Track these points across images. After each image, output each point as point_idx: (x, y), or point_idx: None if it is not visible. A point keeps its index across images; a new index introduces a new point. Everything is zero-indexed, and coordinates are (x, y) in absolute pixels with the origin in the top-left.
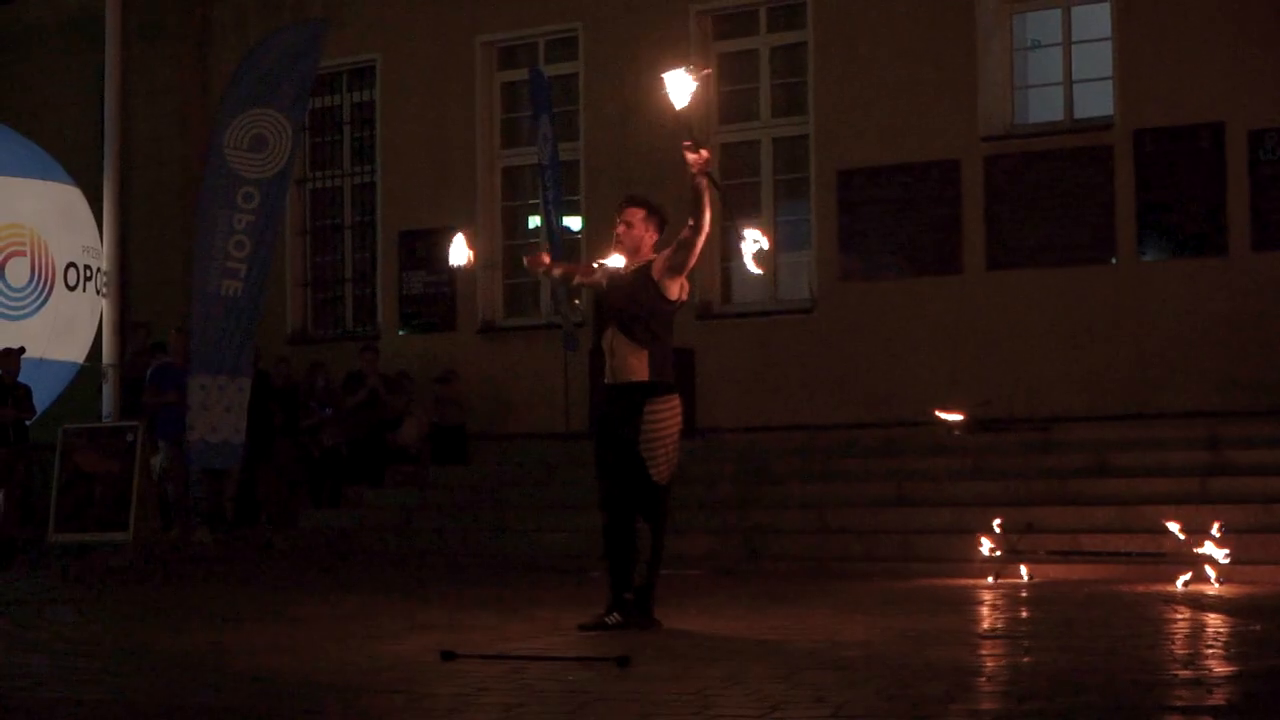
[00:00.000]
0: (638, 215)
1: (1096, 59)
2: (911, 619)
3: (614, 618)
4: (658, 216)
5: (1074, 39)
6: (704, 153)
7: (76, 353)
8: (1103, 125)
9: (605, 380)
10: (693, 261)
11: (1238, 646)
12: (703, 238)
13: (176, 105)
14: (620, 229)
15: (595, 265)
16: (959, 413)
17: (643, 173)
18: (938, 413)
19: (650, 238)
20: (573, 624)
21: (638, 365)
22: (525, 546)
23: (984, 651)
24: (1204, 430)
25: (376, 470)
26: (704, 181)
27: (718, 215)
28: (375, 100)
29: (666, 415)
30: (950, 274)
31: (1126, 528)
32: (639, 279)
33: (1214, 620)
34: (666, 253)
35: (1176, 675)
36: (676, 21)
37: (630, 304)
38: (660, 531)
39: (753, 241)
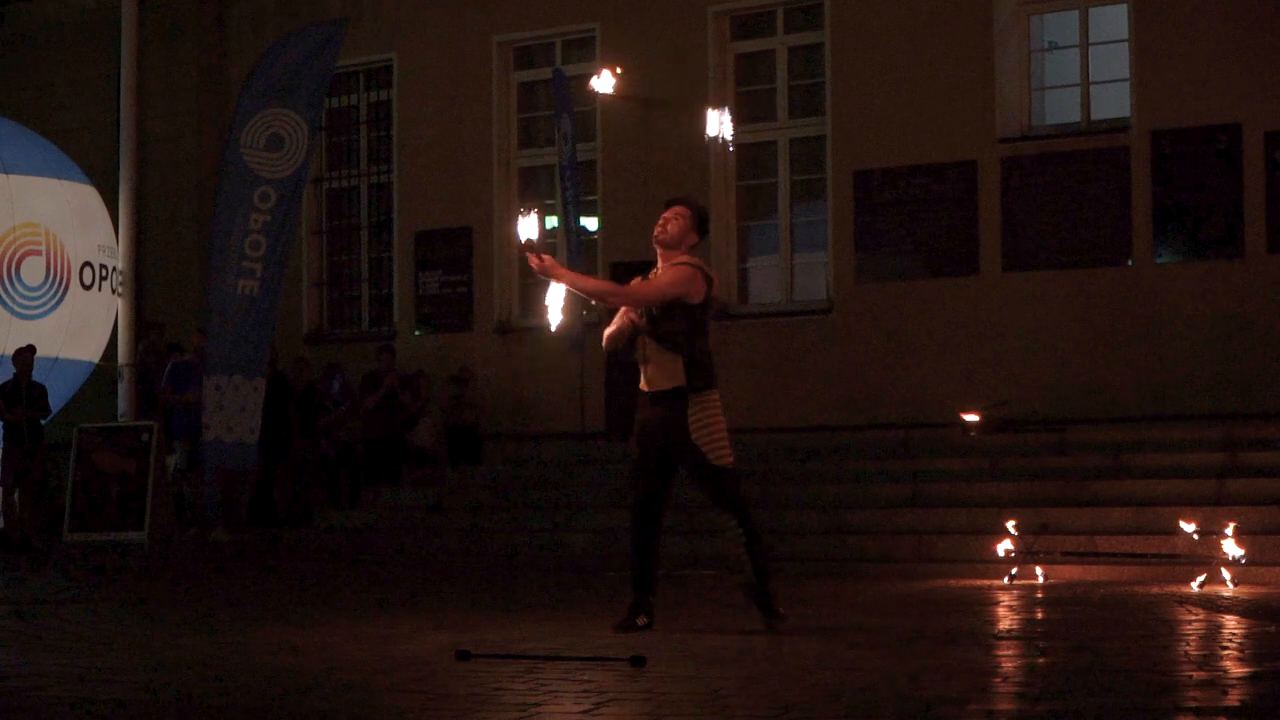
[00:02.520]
0: (683, 214)
1: (1114, 60)
2: (927, 619)
3: (643, 619)
4: (701, 220)
5: (1091, 40)
6: (540, 260)
7: (92, 352)
8: (1120, 127)
9: (642, 389)
10: (641, 299)
11: (1253, 647)
12: (602, 298)
13: (193, 104)
14: (660, 225)
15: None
16: (975, 413)
17: (660, 173)
18: (963, 415)
19: (690, 239)
20: (588, 623)
21: (674, 371)
22: (541, 546)
23: (999, 652)
24: (1220, 432)
25: (393, 470)
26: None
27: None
28: (392, 100)
29: (709, 406)
30: (966, 275)
31: (1142, 529)
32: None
33: (1229, 621)
34: (668, 278)
35: (1191, 676)
36: (694, 22)
37: (656, 312)
38: (747, 520)
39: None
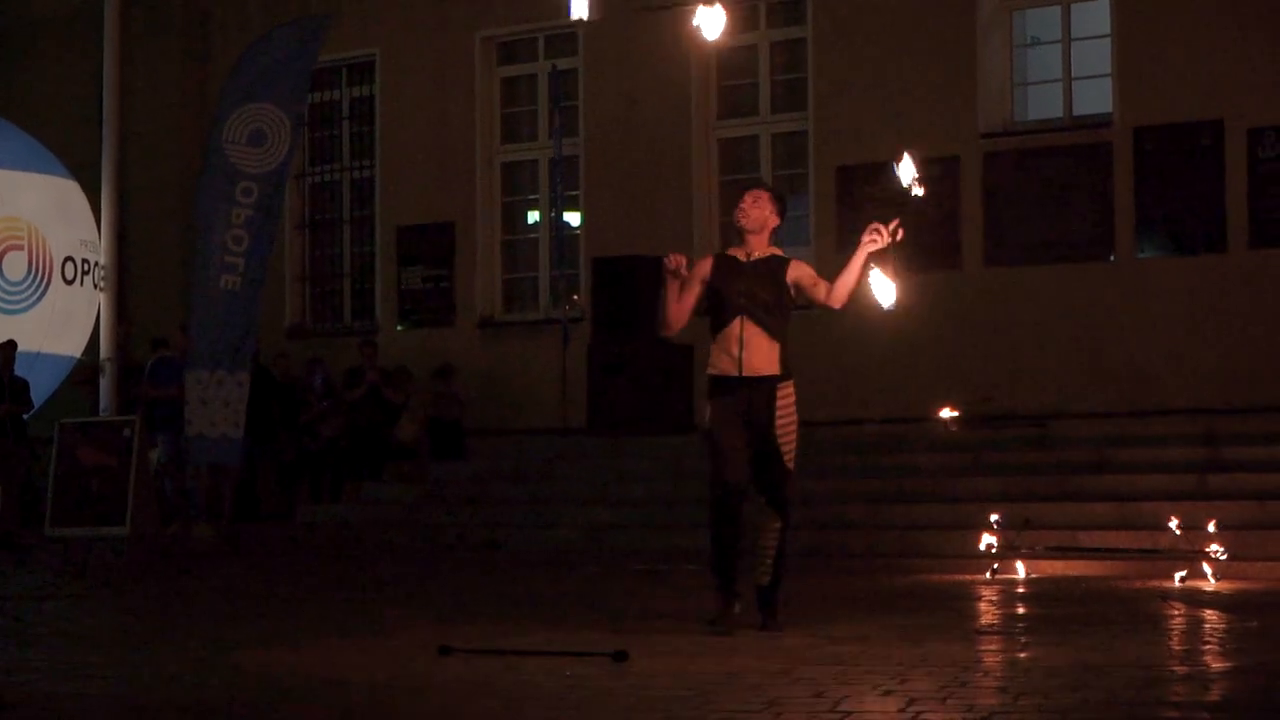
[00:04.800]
0: (762, 197)
1: (1096, 56)
2: (909, 614)
3: (738, 608)
4: (780, 204)
5: (1073, 36)
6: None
7: (74, 347)
8: (1102, 122)
9: (726, 372)
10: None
11: (1234, 643)
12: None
13: (176, 99)
14: (742, 208)
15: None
16: (957, 409)
17: (643, 168)
18: (945, 410)
19: (772, 222)
20: (571, 618)
21: (773, 358)
22: (523, 542)
23: (981, 647)
24: (1202, 427)
25: (375, 465)
26: (869, 263)
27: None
28: (374, 95)
29: (790, 397)
30: (949, 270)
31: (1124, 524)
32: (774, 272)
33: (1211, 616)
34: (809, 273)
35: (1173, 671)
36: (677, 17)
37: (767, 296)
38: (789, 524)
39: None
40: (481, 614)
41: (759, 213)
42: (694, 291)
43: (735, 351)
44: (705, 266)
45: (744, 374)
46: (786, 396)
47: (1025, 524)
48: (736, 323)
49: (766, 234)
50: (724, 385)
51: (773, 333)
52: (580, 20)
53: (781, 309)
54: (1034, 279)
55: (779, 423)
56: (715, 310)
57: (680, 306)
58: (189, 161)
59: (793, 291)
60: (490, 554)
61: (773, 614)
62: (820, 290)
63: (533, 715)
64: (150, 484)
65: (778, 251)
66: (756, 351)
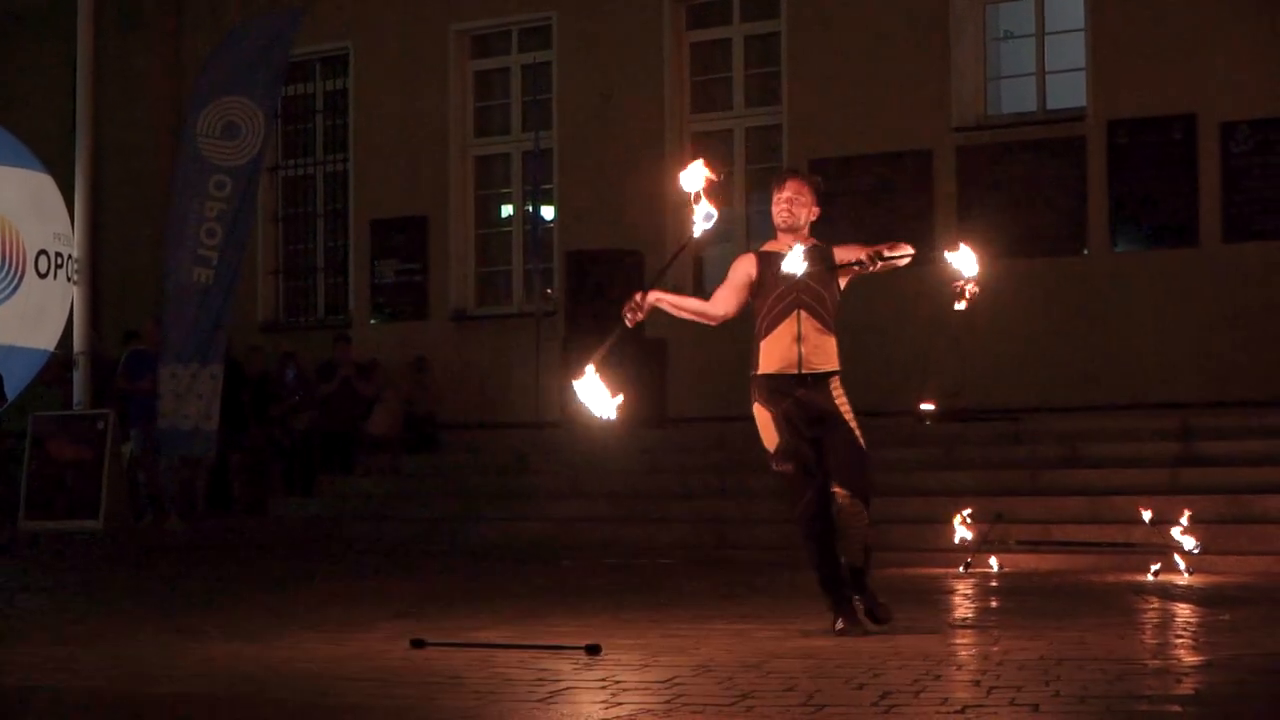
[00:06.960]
0: (803, 190)
1: (1069, 50)
2: None
3: (840, 625)
4: (819, 193)
5: (1047, 30)
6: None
7: (47, 340)
8: (1075, 116)
9: (783, 370)
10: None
11: (1207, 636)
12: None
13: (150, 92)
14: (786, 209)
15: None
16: (930, 402)
17: (616, 161)
18: (919, 404)
19: (814, 214)
20: (544, 612)
21: (831, 352)
22: (496, 535)
23: (954, 640)
24: (1175, 421)
25: (348, 459)
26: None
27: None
28: (348, 88)
29: (842, 389)
30: (921, 264)
31: (1097, 518)
32: (824, 263)
33: (1183, 610)
34: (856, 250)
35: (1146, 665)
36: (650, 10)
37: (820, 287)
38: (869, 509)
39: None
40: (454, 607)
41: (803, 209)
42: (739, 296)
43: (794, 348)
44: (750, 265)
45: (804, 371)
46: (841, 390)
47: (998, 518)
48: (793, 318)
49: (808, 226)
50: (778, 384)
51: (828, 326)
52: (554, 13)
53: (833, 300)
54: (1007, 273)
55: (843, 410)
56: (766, 308)
57: (721, 308)
58: (163, 155)
59: (841, 284)
60: (463, 547)
61: (874, 598)
62: (867, 266)
63: (505, 708)
64: (124, 477)
65: (817, 241)
66: (816, 347)
